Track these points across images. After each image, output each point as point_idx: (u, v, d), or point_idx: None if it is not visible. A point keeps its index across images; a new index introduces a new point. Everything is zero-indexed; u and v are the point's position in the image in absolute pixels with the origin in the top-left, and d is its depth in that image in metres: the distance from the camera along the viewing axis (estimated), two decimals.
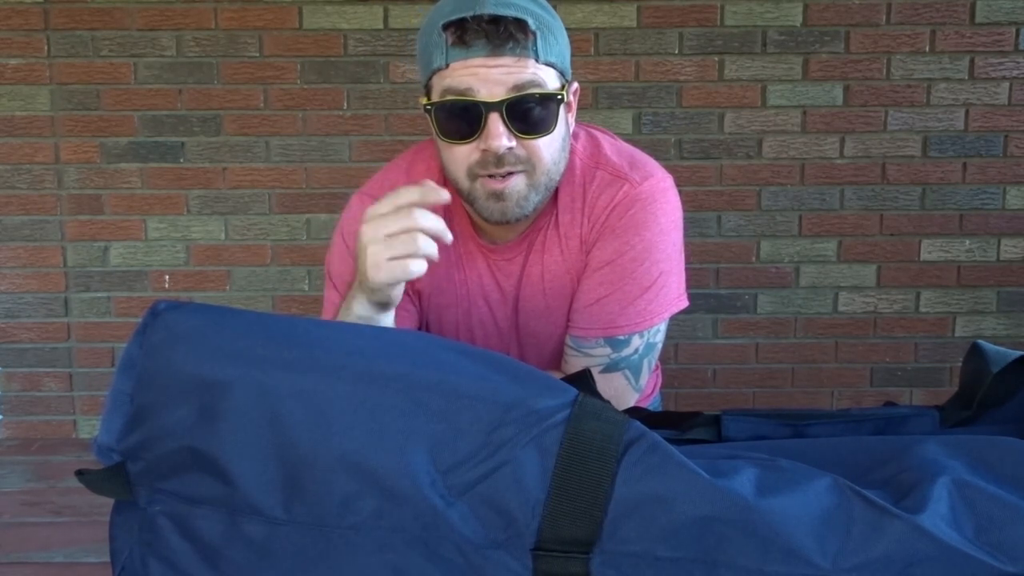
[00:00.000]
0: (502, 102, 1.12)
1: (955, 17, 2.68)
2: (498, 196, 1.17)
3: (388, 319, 1.16)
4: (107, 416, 0.77)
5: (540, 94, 1.14)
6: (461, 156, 1.17)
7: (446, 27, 1.12)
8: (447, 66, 1.13)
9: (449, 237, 1.08)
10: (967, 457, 0.73)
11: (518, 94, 1.13)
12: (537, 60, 1.14)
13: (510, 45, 1.12)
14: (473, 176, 1.17)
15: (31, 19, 2.64)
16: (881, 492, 0.70)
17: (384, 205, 1.07)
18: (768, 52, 2.69)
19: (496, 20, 1.11)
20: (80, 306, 2.78)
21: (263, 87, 2.69)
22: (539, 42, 1.13)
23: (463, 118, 1.14)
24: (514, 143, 1.14)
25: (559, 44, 1.17)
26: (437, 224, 1.07)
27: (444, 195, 1.07)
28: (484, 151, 1.15)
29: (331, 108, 2.70)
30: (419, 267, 1.07)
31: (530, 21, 1.12)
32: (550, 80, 1.15)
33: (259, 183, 2.73)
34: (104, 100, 2.69)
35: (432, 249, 1.07)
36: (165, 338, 0.76)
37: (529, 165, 1.17)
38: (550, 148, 1.18)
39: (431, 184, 1.08)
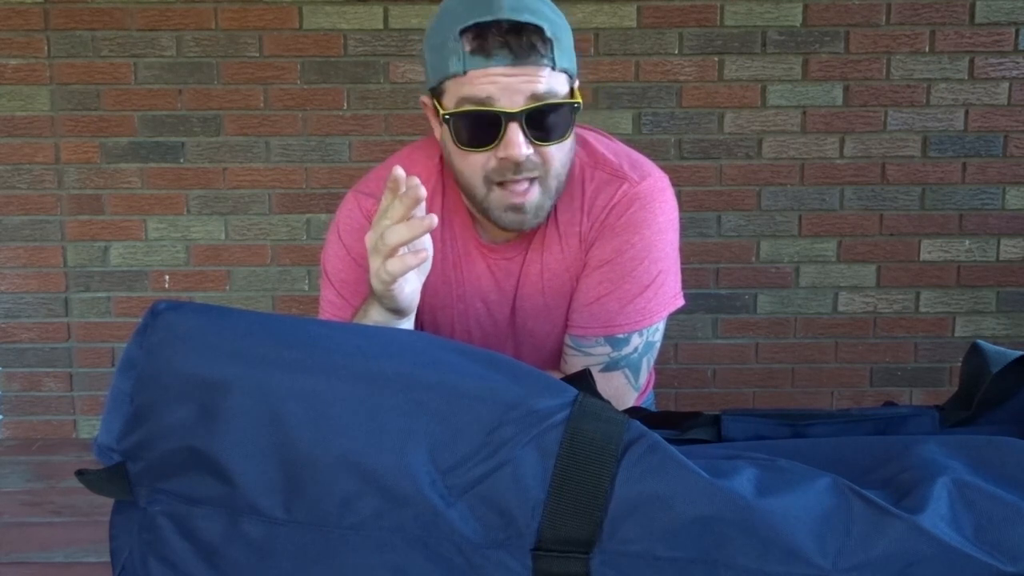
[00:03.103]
0: (522, 112, 1.12)
1: (955, 17, 2.68)
2: (517, 209, 1.18)
3: (406, 326, 1.16)
4: (107, 416, 0.77)
5: (558, 103, 1.14)
6: (477, 164, 1.16)
7: (463, 32, 1.11)
8: (465, 73, 1.12)
9: (432, 221, 1.04)
10: (967, 457, 0.73)
11: (537, 104, 1.12)
12: (553, 68, 1.13)
13: (532, 56, 1.11)
14: (489, 184, 1.17)
15: (31, 19, 2.64)
16: (881, 492, 0.70)
17: (377, 218, 1.08)
18: (768, 52, 2.69)
19: (517, 29, 1.10)
20: (80, 306, 2.78)
21: (263, 87, 2.69)
22: (555, 50, 1.13)
23: (481, 127, 1.13)
24: (531, 151, 1.14)
25: (570, 49, 1.17)
26: (408, 233, 1.04)
27: (422, 192, 1.04)
28: (502, 159, 1.14)
29: (331, 108, 2.70)
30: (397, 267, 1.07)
31: (547, 28, 1.11)
32: (562, 86, 1.15)
33: (259, 183, 2.73)
34: (104, 100, 2.69)
35: (410, 260, 1.06)
36: (165, 338, 0.76)
37: (543, 171, 1.17)
38: (561, 152, 1.18)
39: (409, 183, 1.04)
